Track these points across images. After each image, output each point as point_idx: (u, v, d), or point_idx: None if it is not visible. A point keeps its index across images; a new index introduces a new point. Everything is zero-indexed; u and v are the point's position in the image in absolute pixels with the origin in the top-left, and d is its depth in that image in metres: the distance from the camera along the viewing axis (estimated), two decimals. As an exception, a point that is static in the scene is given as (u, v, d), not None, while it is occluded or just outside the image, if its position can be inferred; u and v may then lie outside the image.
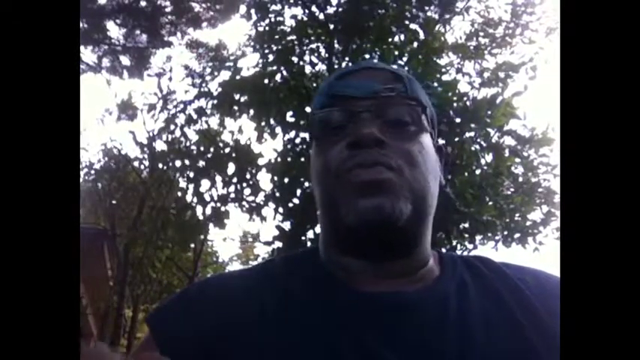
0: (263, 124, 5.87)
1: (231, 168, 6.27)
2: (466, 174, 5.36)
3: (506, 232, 6.14)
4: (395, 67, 0.67)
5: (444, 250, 0.72)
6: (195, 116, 6.37)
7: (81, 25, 7.15)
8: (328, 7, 6.10)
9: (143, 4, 7.05)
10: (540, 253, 6.10)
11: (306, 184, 5.57)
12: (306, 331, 0.52)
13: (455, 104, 5.30)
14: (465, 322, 0.52)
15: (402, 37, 5.87)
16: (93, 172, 12.69)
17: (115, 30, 7.32)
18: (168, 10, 7.16)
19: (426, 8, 5.88)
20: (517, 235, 6.16)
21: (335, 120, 0.60)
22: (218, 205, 6.13)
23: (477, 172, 5.61)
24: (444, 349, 0.49)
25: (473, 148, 5.39)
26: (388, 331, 0.51)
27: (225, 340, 0.53)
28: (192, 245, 10.43)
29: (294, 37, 6.07)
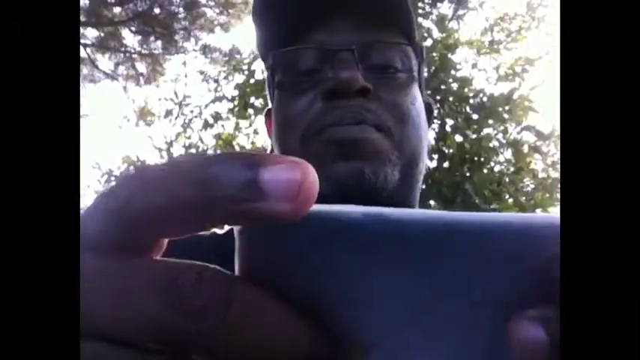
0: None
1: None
2: (485, 171, 5.31)
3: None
4: None
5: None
6: (211, 120, 6.44)
7: (97, 32, 7.27)
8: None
9: (157, 10, 7.14)
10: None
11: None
12: None
13: (471, 100, 5.26)
14: None
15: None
16: (112, 179, 12.89)
17: (130, 37, 7.43)
18: (181, 16, 7.24)
19: (439, 5, 5.84)
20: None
21: (306, 61, 0.47)
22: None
23: (496, 168, 5.56)
24: None
25: (491, 145, 5.34)
26: None
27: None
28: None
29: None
